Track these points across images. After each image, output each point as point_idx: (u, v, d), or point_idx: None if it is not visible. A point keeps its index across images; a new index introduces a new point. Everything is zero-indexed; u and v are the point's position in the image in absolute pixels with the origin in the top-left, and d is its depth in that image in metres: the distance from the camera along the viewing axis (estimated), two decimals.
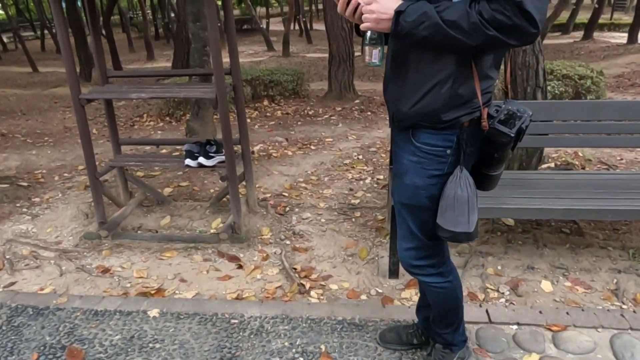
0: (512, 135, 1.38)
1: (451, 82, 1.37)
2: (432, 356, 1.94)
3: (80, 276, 2.75)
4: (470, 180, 1.48)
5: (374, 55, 1.41)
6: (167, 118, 6.49)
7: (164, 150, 4.77)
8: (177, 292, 2.59)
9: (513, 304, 2.39)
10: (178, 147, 4.53)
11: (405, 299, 2.47)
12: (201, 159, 2.90)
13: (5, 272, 2.81)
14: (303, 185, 3.89)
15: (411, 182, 1.55)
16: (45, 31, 21.68)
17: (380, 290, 2.55)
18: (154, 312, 2.35)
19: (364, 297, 2.50)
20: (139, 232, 3.15)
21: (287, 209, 3.44)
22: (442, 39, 1.27)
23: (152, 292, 2.57)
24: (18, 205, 3.58)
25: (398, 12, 1.30)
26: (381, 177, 3.94)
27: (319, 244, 3.00)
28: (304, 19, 22.72)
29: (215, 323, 2.27)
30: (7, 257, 2.93)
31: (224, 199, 3.38)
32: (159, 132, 6.01)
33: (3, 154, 5.08)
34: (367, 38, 1.40)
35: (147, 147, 4.92)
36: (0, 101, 8.98)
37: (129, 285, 2.66)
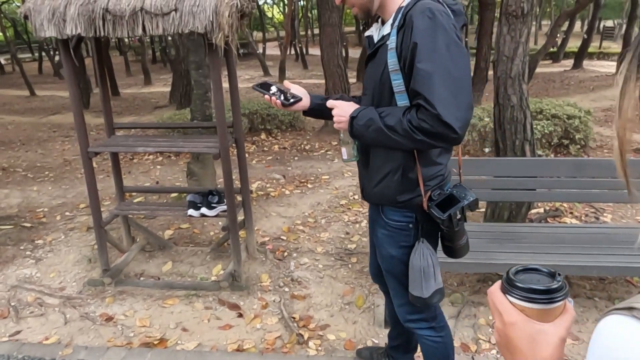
0: (442, 218, 1.56)
1: (401, 170, 1.60)
2: None
3: (84, 325, 2.82)
4: (427, 252, 1.66)
5: (344, 152, 1.70)
6: (166, 153, 6.60)
7: (168, 184, 4.87)
8: (179, 342, 2.66)
9: None
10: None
11: None
12: (203, 210, 3.01)
13: (11, 320, 2.87)
14: (300, 228, 4.00)
15: (387, 253, 1.77)
16: (43, 53, 21.91)
17: (376, 341, 2.64)
18: None
19: (360, 346, 2.59)
20: (141, 278, 3.23)
21: (286, 253, 3.54)
22: (386, 139, 1.49)
23: (155, 342, 2.64)
24: (22, 248, 3.66)
25: (352, 117, 1.54)
26: None
27: (316, 292, 3.10)
28: (299, 45, 23.14)
29: None
30: (12, 304, 3.00)
31: (225, 244, 3.48)
32: (158, 166, 6.11)
33: (4, 190, 5.16)
34: (340, 138, 1.69)
35: (147, 183, 5.03)
36: None
37: (132, 334, 2.74)
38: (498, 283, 0.69)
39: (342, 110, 1.57)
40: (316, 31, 29.63)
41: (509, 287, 0.66)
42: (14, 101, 13.78)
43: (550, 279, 0.67)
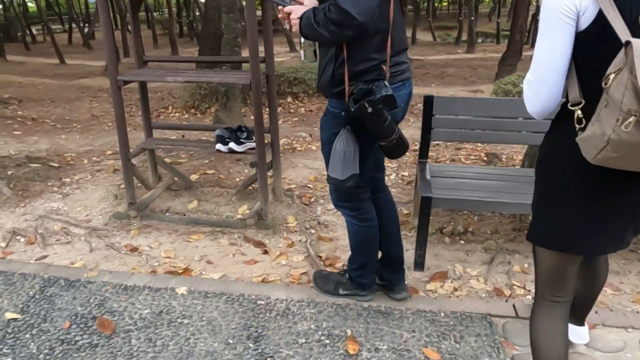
0: (352, 109, 1.71)
1: (332, 64, 1.79)
2: (339, 276, 2.36)
3: (109, 253, 2.80)
4: (350, 138, 1.83)
5: (302, 54, 1.99)
6: (193, 110, 6.57)
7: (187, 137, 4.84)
8: (203, 272, 2.62)
9: None
10: (205, 137, 4.59)
11: (430, 291, 2.47)
12: (232, 144, 2.94)
13: (38, 245, 2.87)
14: None
15: (322, 137, 2.00)
16: (73, 25, 22.14)
17: (405, 282, 2.55)
18: (181, 290, 2.38)
19: None
20: (166, 214, 3.20)
21: (312, 199, 3.47)
22: (317, 34, 1.67)
23: (180, 271, 2.61)
24: (49, 184, 3.66)
25: (299, 18, 1.70)
26: (406, 173, 3.94)
27: (343, 235, 3.00)
28: None
29: (242, 303, 2.29)
30: (40, 231, 3.00)
31: (250, 187, 3.42)
32: (184, 123, 6.08)
33: (34, 137, 5.20)
34: (302, 42, 1.88)
35: (172, 134, 5.00)
36: (29, 89, 9.20)
37: (156, 264, 2.71)
38: None
39: (296, 13, 1.72)
40: None
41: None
42: (44, 68, 13.96)
43: None
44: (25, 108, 7.14)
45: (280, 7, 1.78)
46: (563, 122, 1.31)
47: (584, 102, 1.20)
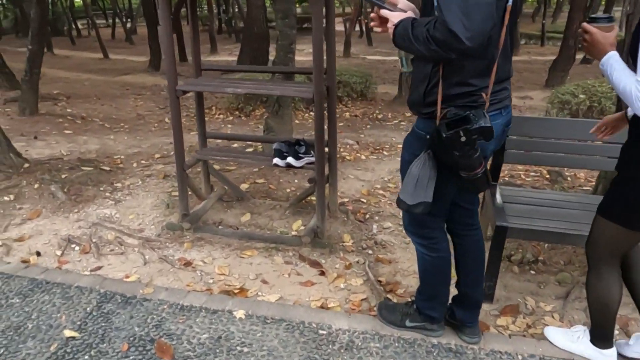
0: (444, 135, 1.57)
1: (426, 83, 1.67)
2: (407, 307, 2.22)
3: (163, 267, 2.74)
4: (428, 164, 1.71)
5: (401, 62, 2.07)
6: (237, 112, 6.53)
7: (235, 145, 4.77)
8: (259, 293, 2.52)
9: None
10: (253, 145, 4.52)
11: (502, 327, 2.29)
12: (290, 159, 2.83)
13: (92, 255, 2.84)
14: (380, 192, 3.77)
15: (403, 156, 1.89)
16: (117, 20, 22.63)
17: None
18: (239, 313, 2.29)
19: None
20: (219, 227, 3.12)
21: (367, 216, 3.33)
22: (413, 48, 1.55)
23: (236, 291, 2.52)
24: (101, 189, 3.65)
25: (395, 26, 1.59)
26: None
27: (402, 257, 2.87)
28: (365, 21, 22.59)
29: (303, 332, 2.18)
30: (94, 240, 2.97)
31: (304, 200, 3.31)
32: (229, 125, 6.05)
33: (83, 136, 5.24)
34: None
35: (218, 141, 4.94)
36: (76, 85, 9.39)
37: (211, 281, 2.63)
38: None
39: (392, 20, 1.62)
40: None
41: (591, 20, 1.57)
42: (89, 62, 14.29)
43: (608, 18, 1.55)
44: (74, 105, 7.26)
45: (376, 9, 1.67)
46: None
47: None
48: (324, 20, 2.84)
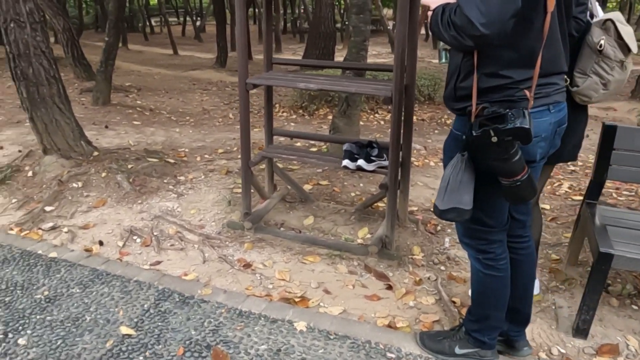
0: (474, 134, 1.43)
1: (457, 75, 1.55)
2: (453, 332, 1.98)
3: (222, 267, 2.63)
4: (463, 167, 1.54)
5: (440, 55, 1.67)
6: (300, 111, 6.42)
7: (298, 143, 4.65)
8: (321, 304, 2.35)
9: None
10: (316, 145, 4.37)
11: None
12: (361, 162, 2.63)
13: (153, 249, 2.78)
14: None
15: (444, 161, 1.71)
16: (187, 18, 23.40)
17: (562, 351, 2.09)
18: (300, 325, 2.12)
19: (543, 355, 2.06)
20: (281, 229, 2.98)
21: (438, 228, 3.07)
22: (440, 34, 1.44)
23: (296, 299, 2.35)
24: (165, 181, 3.62)
25: (433, 11, 1.47)
26: (547, 206, 3.40)
27: None
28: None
29: (369, 353, 1.98)
30: (155, 233, 2.91)
31: (372, 206, 3.11)
32: (292, 124, 5.94)
33: (151, 128, 5.31)
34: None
35: (282, 139, 4.83)
36: (147, 78, 9.68)
37: (271, 286, 2.48)
38: None
39: (432, 5, 1.50)
40: None
41: None
42: (160, 57, 14.79)
43: None
44: (144, 97, 7.45)
45: None
46: None
47: None
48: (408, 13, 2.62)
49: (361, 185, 3.67)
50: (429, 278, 2.56)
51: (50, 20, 8.04)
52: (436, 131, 5.82)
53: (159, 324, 2.12)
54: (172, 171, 3.81)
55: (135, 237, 2.89)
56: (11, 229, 2.93)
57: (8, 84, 7.90)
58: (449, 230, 3.05)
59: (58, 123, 3.52)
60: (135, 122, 5.59)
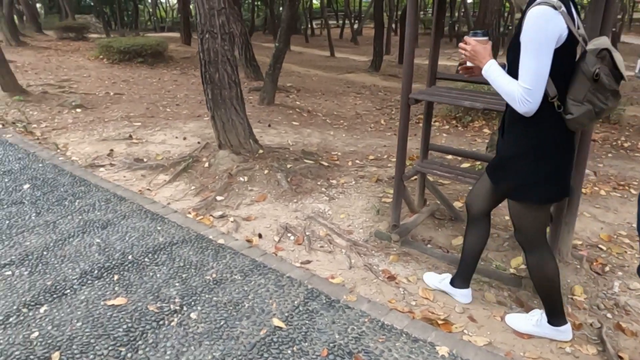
0: None
1: None
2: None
3: (367, 275, 2.70)
4: None
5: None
6: (454, 122, 6.24)
7: (449, 157, 4.53)
8: (465, 331, 2.27)
9: None
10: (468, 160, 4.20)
11: None
12: None
13: (304, 248, 2.97)
14: (626, 241, 3.08)
15: None
16: (346, 21, 24.26)
17: None
18: (443, 350, 2.08)
19: None
20: (428, 245, 2.95)
21: (607, 268, 2.74)
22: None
23: (439, 321, 2.31)
24: (319, 183, 3.83)
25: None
26: None
27: None
28: (612, 29, 19.60)
29: None
30: (307, 233, 3.10)
31: None
32: (444, 134, 5.80)
33: (308, 129, 5.64)
34: None
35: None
36: (306, 79, 10.29)
37: (413, 303, 2.47)
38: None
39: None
40: (637, 15, 24.62)
41: (473, 34, 1.90)
42: (318, 59, 15.58)
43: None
44: (302, 98, 7.93)
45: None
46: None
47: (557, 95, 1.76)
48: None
49: None
50: (591, 324, 2.31)
51: (230, 25, 8.99)
52: (610, 155, 5.18)
53: (307, 322, 2.26)
54: (325, 174, 4.01)
55: (289, 234, 3.12)
56: (189, 213, 3.38)
57: (192, 80, 9.06)
58: (619, 273, 2.71)
59: (233, 122, 3.95)
60: (294, 123, 5.98)
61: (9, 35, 11.97)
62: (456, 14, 23.83)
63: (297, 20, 24.88)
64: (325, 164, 4.21)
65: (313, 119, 6.29)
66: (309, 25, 24.35)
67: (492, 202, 2.24)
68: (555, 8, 1.65)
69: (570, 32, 1.69)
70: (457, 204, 3.49)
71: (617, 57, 1.71)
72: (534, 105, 1.72)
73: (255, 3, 27.84)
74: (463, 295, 2.45)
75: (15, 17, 14.94)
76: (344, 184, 3.86)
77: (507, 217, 3.33)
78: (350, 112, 7.00)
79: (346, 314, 2.32)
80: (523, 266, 2.71)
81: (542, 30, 1.65)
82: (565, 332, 2.18)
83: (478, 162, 4.00)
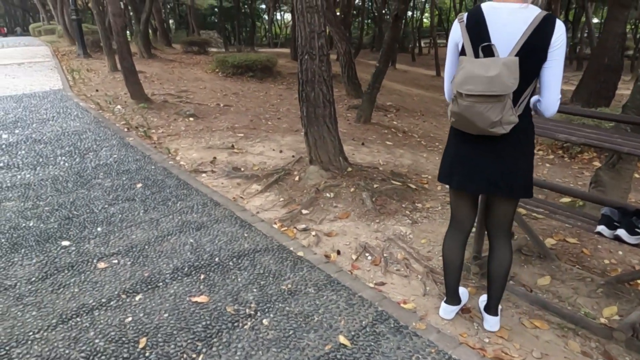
0: None
1: None
2: None
3: (440, 304, 2.64)
4: None
5: None
6: (560, 152, 5.83)
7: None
8: None
9: None
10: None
11: None
12: (621, 232, 2.27)
13: (380, 269, 2.98)
14: None
15: None
16: None
17: None
18: None
19: None
20: (511, 282, 2.80)
21: None
22: None
23: None
24: (403, 205, 3.81)
25: None
26: None
27: None
28: None
29: None
30: (385, 255, 3.11)
31: (628, 283, 2.64)
32: (547, 165, 5.45)
33: (401, 149, 5.63)
34: None
35: None
36: (406, 99, 10.25)
37: (486, 340, 2.37)
38: None
39: None
40: None
41: None
42: (422, 78, 15.44)
43: None
44: (400, 118, 7.93)
45: None
46: None
47: None
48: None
49: (620, 253, 3.14)
50: None
51: (335, 44, 9.29)
52: None
53: (372, 343, 2.27)
54: (411, 196, 3.98)
55: (367, 254, 3.15)
56: (275, 223, 3.56)
57: (295, 95, 9.48)
58: None
59: (325, 140, 4.10)
60: (387, 142, 6.01)
61: (142, 48, 13.48)
62: (578, 35, 22.19)
63: (405, 38, 24.85)
64: (413, 186, 4.18)
65: (408, 139, 6.26)
66: (417, 44, 24.19)
67: (476, 207, 2.40)
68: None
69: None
70: (550, 241, 3.27)
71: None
72: (447, 96, 2.20)
73: (365, 21, 28.34)
74: (441, 308, 2.54)
75: (150, 31, 16.79)
76: (430, 208, 3.81)
77: (606, 261, 3.06)
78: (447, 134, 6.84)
79: (413, 342, 2.29)
80: (616, 317, 2.47)
81: None
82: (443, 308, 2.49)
83: (579, 201, 3.71)
